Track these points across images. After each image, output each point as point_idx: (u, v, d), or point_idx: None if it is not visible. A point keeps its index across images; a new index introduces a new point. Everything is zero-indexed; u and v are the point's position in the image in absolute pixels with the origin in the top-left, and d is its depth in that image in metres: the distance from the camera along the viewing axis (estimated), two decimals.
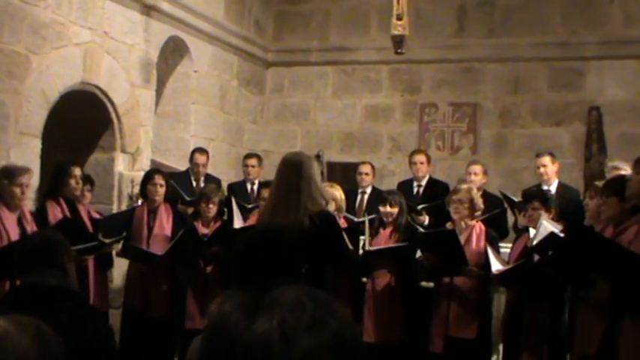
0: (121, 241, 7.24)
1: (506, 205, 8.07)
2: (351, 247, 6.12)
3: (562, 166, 8.75)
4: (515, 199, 7.79)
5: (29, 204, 6.72)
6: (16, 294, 3.54)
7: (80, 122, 8.45)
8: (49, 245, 3.37)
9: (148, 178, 7.42)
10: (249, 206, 8.30)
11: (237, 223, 7.14)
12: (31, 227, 6.13)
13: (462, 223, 6.50)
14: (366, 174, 8.97)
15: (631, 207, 4.58)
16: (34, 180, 7.23)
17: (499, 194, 8.29)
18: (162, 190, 7.31)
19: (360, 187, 8.95)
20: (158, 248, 7.09)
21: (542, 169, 8.36)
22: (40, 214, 6.61)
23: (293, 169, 4.78)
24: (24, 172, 6.18)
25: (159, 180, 7.32)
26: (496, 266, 6.07)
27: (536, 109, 11.32)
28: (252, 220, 7.56)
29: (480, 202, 6.64)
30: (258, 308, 1.21)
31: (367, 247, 6.71)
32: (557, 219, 6.34)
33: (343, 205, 7.02)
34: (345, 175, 9.47)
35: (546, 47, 11.12)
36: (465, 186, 6.78)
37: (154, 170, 7.81)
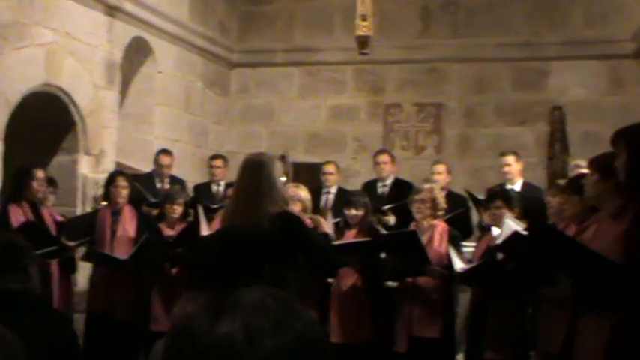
0: (85, 245, 7.17)
1: (470, 204, 8.13)
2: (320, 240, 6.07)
3: (526, 165, 8.84)
4: (481, 198, 7.85)
5: None
6: None
7: (43, 124, 8.38)
8: (11, 248, 3.31)
9: (111, 180, 7.35)
10: (214, 207, 8.28)
11: (204, 230, 7.11)
12: None
13: (425, 223, 6.52)
14: (331, 174, 8.97)
15: (591, 206, 4.63)
16: None
17: (464, 193, 8.34)
18: (125, 193, 7.25)
19: (325, 187, 8.95)
20: (122, 251, 7.03)
21: (506, 169, 8.43)
22: (2, 217, 6.53)
23: (253, 170, 4.74)
24: None
25: (122, 182, 7.26)
26: (458, 265, 6.10)
27: (500, 109, 11.42)
28: (218, 223, 7.55)
29: (442, 201, 6.67)
30: (222, 309, 1.21)
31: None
32: (520, 218, 6.39)
33: (309, 205, 7.00)
34: (311, 175, 9.47)
35: (509, 47, 11.23)
36: (427, 186, 6.80)
37: (117, 172, 7.74)
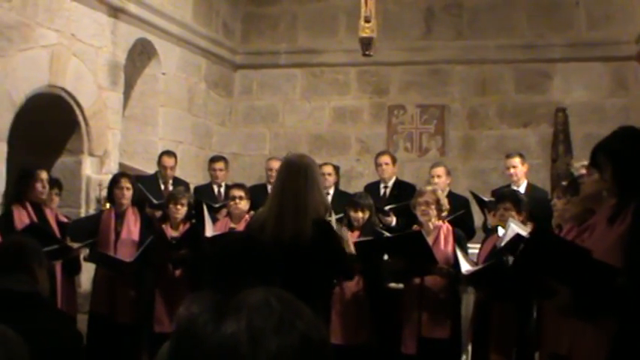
0: (89, 246, 7.17)
1: (472, 206, 8.12)
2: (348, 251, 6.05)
3: (529, 167, 8.83)
4: (486, 199, 7.84)
5: None
6: None
7: (47, 125, 8.39)
8: (19, 250, 3.35)
9: (114, 182, 7.36)
10: (217, 205, 8.29)
11: (209, 231, 7.10)
12: None
13: (430, 225, 6.53)
14: (329, 174, 8.99)
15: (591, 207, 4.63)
16: None
17: (467, 195, 8.34)
18: (128, 194, 7.25)
19: (323, 187, 8.95)
20: (125, 252, 7.03)
21: (511, 170, 8.43)
22: (5, 218, 6.54)
23: (299, 173, 4.64)
24: None
25: (125, 183, 7.26)
26: (465, 267, 6.10)
27: (504, 111, 11.42)
28: (222, 222, 7.56)
29: (445, 202, 6.69)
30: (226, 310, 1.21)
31: None
32: (526, 222, 6.39)
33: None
34: None
35: (513, 49, 11.23)
36: (429, 187, 6.81)
37: (120, 174, 7.74)
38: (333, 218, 7.17)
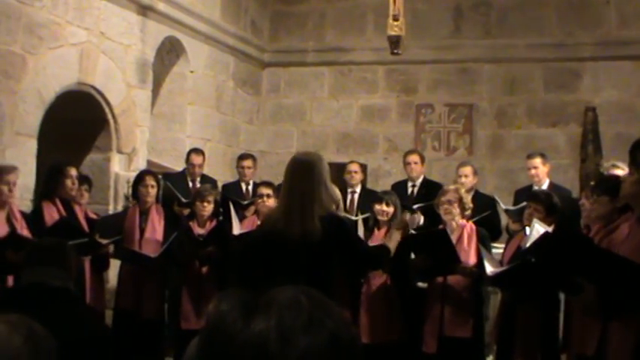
0: (115, 243, 7.21)
1: (499, 207, 8.07)
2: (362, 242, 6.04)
3: (558, 167, 8.78)
4: (512, 208, 7.77)
5: (21, 204, 6.72)
6: (18, 292, 3.59)
7: (76, 122, 8.45)
8: (62, 247, 3.51)
9: (139, 179, 7.37)
10: (245, 202, 8.31)
11: (236, 229, 7.11)
12: (20, 225, 6.12)
13: (453, 223, 6.49)
14: (355, 172, 8.99)
15: (622, 206, 4.58)
16: (30, 181, 7.24)
17: (491, 195, 8.31)
18: (153, 192, 7.26)
19: (350, 185, 8.97)
20: (150, 250, 7.05)
21: (532, 171, 8.38)
22: (35, 214, 6.59)
23: (305, 171, 4.66)
24: (11, 170, 6.18)
25: (150, 181, 7.28)
26: (490, 268, 6.06)
27: (532, 110, 11.35)
28: (250, 220, 7.57)
29: (469, 200, 6.64)
30: (256, 307, 1.22)
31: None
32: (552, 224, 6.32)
33: (341, 205, 7.02)
34: (341, 175, 9.47)
35: (542, 48, 11.16)
36: (452, 186, 6.76)
37: (145, 171, 7.76)
38: (359, 218, 7.17)
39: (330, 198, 4.72)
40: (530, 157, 8.59)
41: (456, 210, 6.49)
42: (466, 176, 8.33)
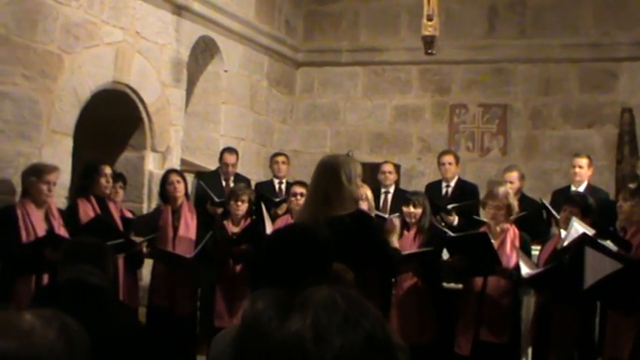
0: (149, 242, 7.24)
1: (546, 208, 7.97)
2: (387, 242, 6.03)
3: (593, 169, 8.69)
4: (555, 214, 7.70)
5: (56, 201, 6.78)
6: (55, 289, 3.64)
7: (111, 121, 8.52)
8: (101, 246, 3.59)
9: (164, 179, 7.40)
10: (278, 200, 8.34)
11: (269, 227, 7.14)
12: (58, 223, 6.20)
13: (497, 228, 6.42)
14: (389, 172, 8.99)
15: None
16: (65, 178, 7.30)
17: (537, 199, 8.28)
18: (180, 187, 7.27)
19: (384, 186, 8.97)
20: (183, 249, 7.08)
21: (577, 170, 8.33)
22: (70, 212, 6.65)
23: (327, 173, 4.75)
24: (52, 170, 6.25)
25: (174, 177, 7.30)
26: (526, 270, 6.01)
27: (567, 111, 11.25)
28: (283, 220, 7.58)
29: (515, 205, 6.55)
30: (292, 307, 1.21)
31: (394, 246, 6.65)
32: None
33: (373, 204, 7.00)
34: (375, 175, 9.47)
35: (578, 48, 11.05)
36: (501, 189, 6.64)
37: (168, 170, 7.76)
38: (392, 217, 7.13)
39: (350, 197, 4.74)
40: (577, 155, 8.57)
41: (502, 216, 6.42)
42: (512, 183, 8.25)
